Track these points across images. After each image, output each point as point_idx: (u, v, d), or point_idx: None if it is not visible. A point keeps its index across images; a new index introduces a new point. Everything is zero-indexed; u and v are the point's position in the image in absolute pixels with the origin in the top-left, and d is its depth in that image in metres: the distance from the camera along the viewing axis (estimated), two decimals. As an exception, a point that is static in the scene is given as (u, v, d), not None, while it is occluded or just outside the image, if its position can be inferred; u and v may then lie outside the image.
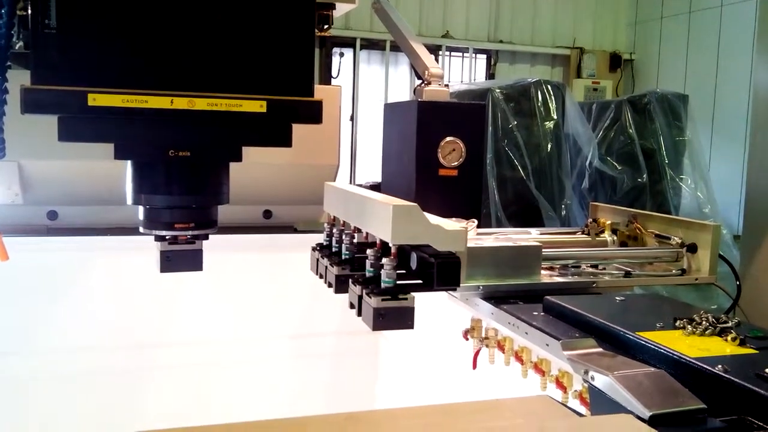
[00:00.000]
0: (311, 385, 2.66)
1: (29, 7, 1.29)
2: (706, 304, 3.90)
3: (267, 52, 1.40)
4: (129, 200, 1.54)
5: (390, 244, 1.46)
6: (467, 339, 1.72)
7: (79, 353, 2.38)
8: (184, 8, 1.33)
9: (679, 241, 1.78)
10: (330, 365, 2.69)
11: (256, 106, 1.40)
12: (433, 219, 1.49)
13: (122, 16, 1.30)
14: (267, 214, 2.71)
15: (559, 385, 1.36)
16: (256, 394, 2.56)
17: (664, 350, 1.15)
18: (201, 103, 1.36)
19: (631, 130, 5.05)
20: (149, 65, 1.33)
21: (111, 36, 1.30)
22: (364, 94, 6.96)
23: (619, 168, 5.03)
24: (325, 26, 1.72)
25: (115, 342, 2.42)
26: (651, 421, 0.93)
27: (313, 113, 1.45)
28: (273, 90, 1.41)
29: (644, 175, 4.96)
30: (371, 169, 6.32)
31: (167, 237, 1.60)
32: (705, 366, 1.06)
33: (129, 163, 1.52)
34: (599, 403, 1.05)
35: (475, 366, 1.72)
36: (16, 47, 2.00)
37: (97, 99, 1.30)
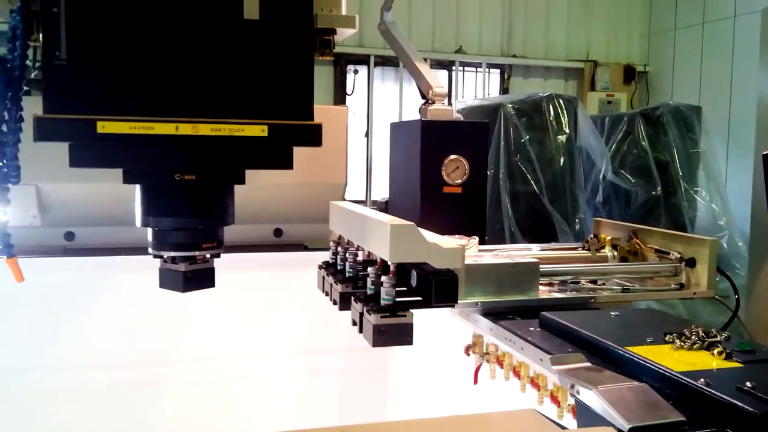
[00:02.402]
0: (321, 401, 2.69)
1: (41, 39, 1.36)
2: (720, 317, 3.89)
3: (268, 78, 1.45)
4: (140, 223, 1.60)
5: (389, 263, 1.50)
6: (468, 354, 1.75)
7: (94, 370, 2.44)
8: (187, 39, 1.39)
9: (678, 255, 1.80)
10: (340, 381, 2.72)
11: (257, 130, 1.45)
12: (431, 237, 1.53)
13: (129, 48, 1.36)
14: (277, 232, 2.76)
15: (554, 399, 1.39)
16: (267, 409, 2.61)
17: (650, 364, 1.17)
18: (205, 129, 1.42)
19: (644, 143, 5.05)
20: (155, 93, 1.39)
21: (118, 67, 1.36)
22: (379, 110, 7.02)
23: (633, 181, 5.03)
24: (326, 50, 1.77)
25: (130, 359, 2.48)
26: (630, 434, 0.96)
27: (313, 136, 1.50)
28: (274, 115, 1.46)
29: (658, 188, 4.95)
30: (387, 184, 6.35)
31: (194, 258, 1.65)
32: (688, 380, 1.09)
33: (138, 188, 1.57)
34: (585, 416, 1.08)
35: (476, 381, 1.75)
36: (32, 74, 2.09)
37: (106, 126, 1.36)
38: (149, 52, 1.38)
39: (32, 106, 1.51)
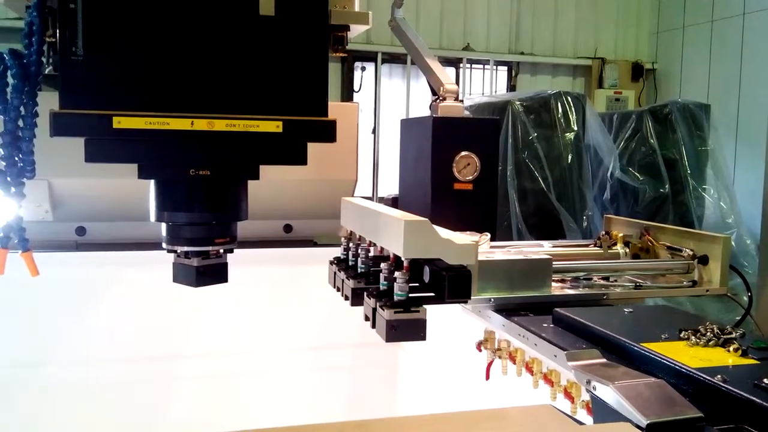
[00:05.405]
0: (331, 397, 2.70)
1: (57, 35, 1.36)
2: (731, 315, 3.88)
3: (282, 74, 1.46)
4: (153, 218, 1.61)
5: (402, 258, 1.50)
6: (480, 350, 1.76)
7: (105, 364, 2.45)
8: (202, 35, 1.39)
9: (691, 253, 1.80)
10: (349, 377, 2.73)
11: (272, 126, 1.45)
12: (444, 233, 1.53)
13: (145, 43, 1.37)
14: (287, 228, 2.77)
15: (567, 395, 1.39)
16: (277, 405, 2.61)
17: (667, 361, 1.17)
18: (220, 124, 1.42)
19: (652, 141, 5.03)
20: (171, 89, 1.39)
21: (134, 62, 1.37)
22: (386, 107, 7.02)
23: (641, 179, 5.01)
24: (339, 47, 1.77)
25: (140, 353, 2.49)
26: (648, 430, 0.96)
27: (327, 132, 1.50)
28: (289, 110, 1.46)
29: (666, 186, 4.94)
30: (393, 181, 6.35)
31: (208, 253, 1.66)
32: (705, 376, 1.09)
33: (152, 183, 1.58)
34: (601, 412, 1.09)
35: (488, 377, 1.75)
36: (46, 71, 2.09)
37: (122, 122, 1.36)
38: (165, 48, 1.38)
39: (42, 101, 1.52)
